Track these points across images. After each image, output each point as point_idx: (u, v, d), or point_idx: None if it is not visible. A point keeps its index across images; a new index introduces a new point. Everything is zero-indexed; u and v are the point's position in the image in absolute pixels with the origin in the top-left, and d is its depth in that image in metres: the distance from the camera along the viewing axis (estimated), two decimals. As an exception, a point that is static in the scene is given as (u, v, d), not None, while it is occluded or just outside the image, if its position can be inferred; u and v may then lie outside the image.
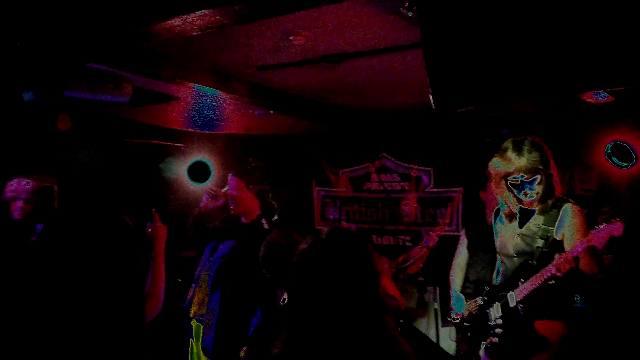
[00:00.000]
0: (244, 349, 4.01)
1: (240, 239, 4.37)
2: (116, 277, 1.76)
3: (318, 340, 1.95)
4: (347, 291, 1.96)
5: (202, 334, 4.24)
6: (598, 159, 5.38)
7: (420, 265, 6.19)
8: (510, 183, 3.71)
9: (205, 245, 4.59)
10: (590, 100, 4.44)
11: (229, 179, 4.52)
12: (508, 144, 3.68)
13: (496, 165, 3.72)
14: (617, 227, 3.35)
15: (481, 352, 3.85)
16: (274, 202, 4.51)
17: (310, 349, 1.96)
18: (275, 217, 4.47)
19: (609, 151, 5.16)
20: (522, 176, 3.62)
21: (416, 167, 6.68)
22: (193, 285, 4.49)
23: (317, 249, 2.06)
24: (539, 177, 3.62)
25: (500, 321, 3.74)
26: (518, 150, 3.61)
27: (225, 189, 4.56)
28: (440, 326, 5.85)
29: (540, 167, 3.60)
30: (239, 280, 4.17)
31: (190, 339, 4.47)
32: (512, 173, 3.63)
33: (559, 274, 3.44)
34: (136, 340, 1.81)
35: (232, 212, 4.49)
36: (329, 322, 1.95)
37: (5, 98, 4.23)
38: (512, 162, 3.60)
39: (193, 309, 4.42)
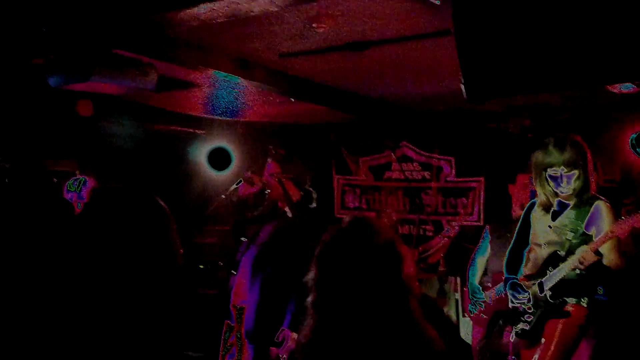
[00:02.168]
0: (281, 334, 4.05)
1: (278, 224, 4.40)
2: (150, 262, 1.76)
3: (343, 327, 1.99)
4: (371, 278, 2.00)
5: (244, 319, 4.28)
6: (622, 150, 5.35)
7: (441, 254, 6.19)
8: (549, 175, 3.90)
9: (244, 233, 4.63)
10: (615, 90, 4.44)
11: (267, 164, 4.54)
12: (550, 140, 3.89)
13: (538, 157, 3.93)
14: (639, 219, 3.51)
15: (512, 338, 4.04)
16: (312, 190, 4.50)
17: (336, 336, 1.99)
18: (314, 205, 4.46)
19: (634, 142, 5.15)
20: (562, 169, 3.81)
21: (437, 156, 6.65)
22: (233, 272, 4.53)
23: (340, 238, 2.10)
24: (577, 172, 3.82)
25: (530, 309, 3.93)
26: (560, 147, 3.82)
27: (259, 175, 4.59)
28: (460, 316, 5.85)
29: (580, 162, 3.81)
30: (277, 264, 4.21)
31: (227, 322, 4.51)
32: (552, 166, 3.84)
33: (582, 266, 3.66)
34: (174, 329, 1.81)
35: (269, 197, 4.51)
36: (355, 310, 1.98)
37: (30, 82, 4.26)
38: (554, 155, 3.82)
39: (235, 297, 4.46)
